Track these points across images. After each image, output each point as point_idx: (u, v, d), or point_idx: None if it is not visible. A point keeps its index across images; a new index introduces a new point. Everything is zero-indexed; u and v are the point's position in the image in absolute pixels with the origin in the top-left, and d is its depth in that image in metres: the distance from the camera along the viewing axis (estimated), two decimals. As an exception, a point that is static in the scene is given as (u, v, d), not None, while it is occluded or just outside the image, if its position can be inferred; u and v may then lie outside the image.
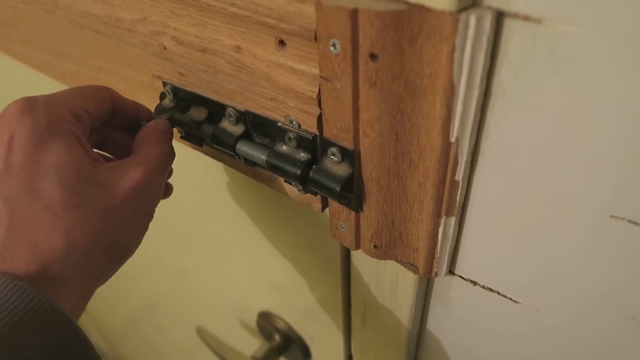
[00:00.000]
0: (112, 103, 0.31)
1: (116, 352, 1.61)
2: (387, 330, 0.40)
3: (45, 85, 0.52)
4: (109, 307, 1.29)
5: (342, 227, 0.33)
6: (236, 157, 0.35)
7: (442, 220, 0.29)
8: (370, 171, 0.28)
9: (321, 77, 0.26)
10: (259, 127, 0.33)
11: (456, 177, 0.27)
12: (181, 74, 0.35)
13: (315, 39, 0.26)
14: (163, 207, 0.33)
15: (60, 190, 0.25)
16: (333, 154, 0.29)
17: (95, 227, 0.26)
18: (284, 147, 0.32)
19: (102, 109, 0.31)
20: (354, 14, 0.22)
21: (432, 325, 0.39)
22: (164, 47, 0.35)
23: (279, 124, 0.31)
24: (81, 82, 0.46)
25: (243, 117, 0.33)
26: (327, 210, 0.35)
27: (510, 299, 0.31)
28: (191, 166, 0.47)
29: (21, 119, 0.26)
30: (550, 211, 0.25)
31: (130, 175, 0.28)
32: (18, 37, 0.49)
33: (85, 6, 0.38)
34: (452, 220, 0.29)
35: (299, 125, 0.30)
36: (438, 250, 0.30)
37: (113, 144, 0.34)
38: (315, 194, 0.33)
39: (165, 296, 0.83)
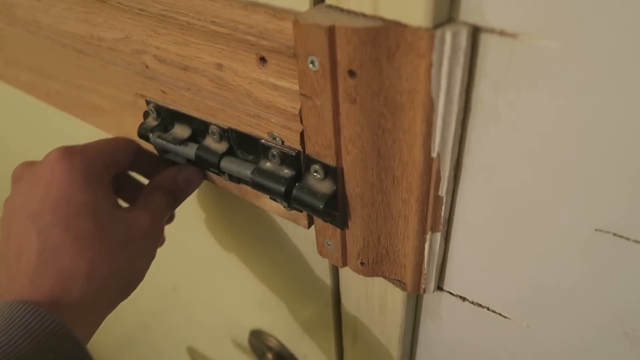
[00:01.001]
0: (135, 155, 0.37)
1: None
2: (378, 348, 0.40)
3: (30, 105, 0.51)
4: (103, 327, 1.27)
5: (329, 245, 0.33)
6: (221, 174, 0.35)
7: (428, 236, 0.29)
8: (353, 188, 0.28)
9: (301, 94, 0.26)
10: (243, 144, 0.33)
11: (440, 193, 0.26)
12: (164, 92, 0.35)
13: (295, 55, 0.26)
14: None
15: (89, 224, 0.29)
16: (316, 171, 0.29)
17: (114, 258, 0.30)
18: (268, 164, 0.32)
19: (126, 159, 0.36)
20: (331, 31, 0.22)
21: (422, 342, 0.38)
22: (146, 66, 0.35)
23: (263, 140, 0.31)
24: (66, 102, 0.46)
25: (226, 134, 0.33)
26: (313, 227, 0.34)
27: (500, 314, 0.31)
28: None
29: (60, 164, 0.31)
30: (536, 226, 0.25)
31: (142, 219, 0.32)
32: (1, 58, 0.48)
33: (68, 26, 0.38)
34: (438, 235, 0.29)
35: (283, 142, 0.30)
36: (425, 266, 0.30)
37: (127, 189, 0.39)
38: (301, 211, 0.33)
39: (158, 315, 0.82)
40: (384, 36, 0.22)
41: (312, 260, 0.41)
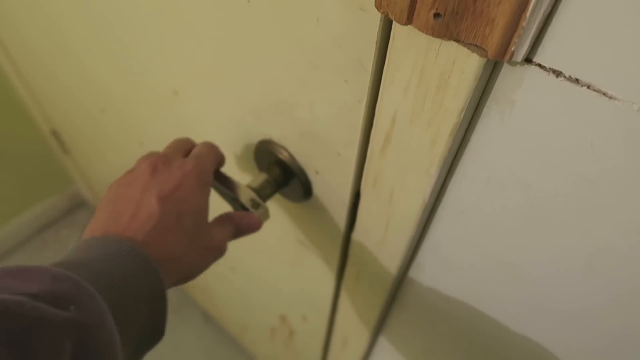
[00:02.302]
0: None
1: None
2: (418, 149, 0.34)
3: None
4: (95, 156, 1.23)
5: (394, -12, 0.25)
6: None
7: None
8: None
9: None
10: None
11: None
12: None
13: None
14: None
15: (191, 224, 0.38)
16: None
17: (193, 256, 0.38)
18: None
19: (217, 166, 0.47)
20: None
21: (478, 142, 0.32)
22: None
23: None
24: None
25: None
26: None
27: (605, 94, 0.24)
28: None
29: (193, 176, 0.40)
30: None
31: (217, 236, 0.41)
32: None
33: None
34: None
35: None
36: (526, 17, 0.23)
37: None
38: None
39: (153, 121, 0.76)
40: None
41: (350, 36, 0.33)
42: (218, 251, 0.41)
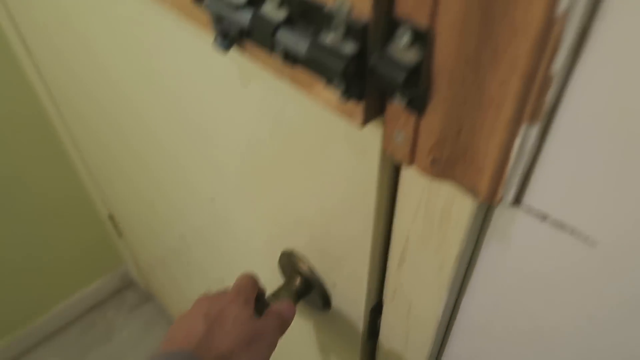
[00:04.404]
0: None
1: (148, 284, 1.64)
2: (428, 271, 0.36)
3: None
4: (144, 240, 1.30)
5: (398, 136, 0.29)
6: (275, 50, 0.31)
7: (522, 129, 0.24)
8: (444, 59, 0.24)
9: None
10: (304, 13, 0.28)
11: (551, 70, 0.22)
12: None
13: None
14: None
15: (238, 335, 0.43)
16: (401, 36, 0.25)
17: (245, 349, 0.43)
18: (330, 37, 0.27)
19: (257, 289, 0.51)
20: None
21: (480, 269, 0.34)
22: None
23: (327, 8, 0.27)
24: None
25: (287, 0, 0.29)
26: (365, 130, 0.30)
27: (587, 238, 0.26)
28: (221, 72, 0.44)
29: (237, 299, 0.46)
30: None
31: (269, 325, 0.46)
32: None
33: None
34: (535, 129, 0.24)
35: (350, 11, 0.25)
36: (509, 168, 0.26)
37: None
38: (360, 97, 0.29)
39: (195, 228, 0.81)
40: None
41: (358, 170, 0.37)
42: (266, 341, 0.45)
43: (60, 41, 0.84)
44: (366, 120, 0.30)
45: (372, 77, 0.26)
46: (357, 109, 0.30)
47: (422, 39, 0.24)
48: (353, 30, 0.26)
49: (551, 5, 0.20)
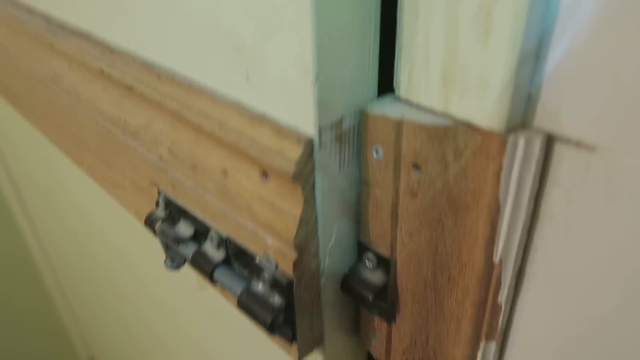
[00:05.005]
0: None
1: None
2: None
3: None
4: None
5: (373, 338, 0.31)
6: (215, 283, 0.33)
7: (482, 344, 0.26)
8: (406, 282, 0.27)
9: (362, 181, 0.26)
10: (239, 257, 0.31)
11: (498, 300, 0.25)
12: (174, 186, 0.35)
13: (296, 179, 0.24)
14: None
15: None
16: (368, 259, 0.28)
17: None
18: (260, 287, 0.30)
19: None
20: (398, 125, 0.22)
21: None
22: (161, 157, 0.35)
23: (258, 259, 0.29)
24: (95, 173, 0.48)
25: (225, 243, 0.32)
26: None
27: None
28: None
29: None
30: (602, 347, 0.23)
31: None
32: (51, 120, 0.52)
33: (101, 104, 0.40)
34: (493, 345, 0.26)
35: (277, 266, 0.28)
36: (476, 374, 0.28)
37: None
38: (292, 340, 0.30)
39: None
40: (453, 135, 0.21)
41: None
42: None
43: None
44: (302, 355, 0.31)
45: (345, 291, 0.29)
46: (292, 348, 0.31)
47: (386, 263, 0.27)
48: (279, 285, 0.28)
49: (489, 253, 0.23)
